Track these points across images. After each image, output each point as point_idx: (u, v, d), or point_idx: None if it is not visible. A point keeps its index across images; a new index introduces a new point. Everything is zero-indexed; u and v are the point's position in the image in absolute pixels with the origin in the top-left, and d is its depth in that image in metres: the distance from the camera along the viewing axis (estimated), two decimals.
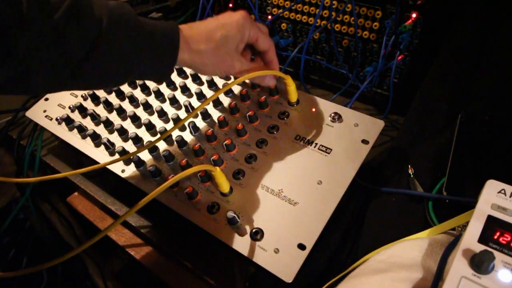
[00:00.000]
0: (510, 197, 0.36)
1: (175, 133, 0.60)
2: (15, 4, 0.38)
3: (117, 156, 0.60)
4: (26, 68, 0.40)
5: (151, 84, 0.69)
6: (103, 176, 0.65)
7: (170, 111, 0.64)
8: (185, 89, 0.66)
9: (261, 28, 0.56)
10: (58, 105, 0.72)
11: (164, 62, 0.49)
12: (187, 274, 0.54)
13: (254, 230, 0.48)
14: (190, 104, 0.62)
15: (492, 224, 0.35)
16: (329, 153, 0.52)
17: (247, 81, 0.64)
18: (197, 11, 0.85)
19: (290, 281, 0.43)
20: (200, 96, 0.64)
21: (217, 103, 0.62)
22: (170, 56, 0.48)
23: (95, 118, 0.67)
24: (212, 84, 0.66)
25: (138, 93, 0.69)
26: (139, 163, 0.58)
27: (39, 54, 0.40)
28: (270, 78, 0.58)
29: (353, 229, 0.53)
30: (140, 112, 0.66)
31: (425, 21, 0.63)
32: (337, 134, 0.54)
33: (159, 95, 0.67)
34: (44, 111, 0.72)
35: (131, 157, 0.58)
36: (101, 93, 0.71)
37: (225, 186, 0.51)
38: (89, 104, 0.70)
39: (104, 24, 0.43)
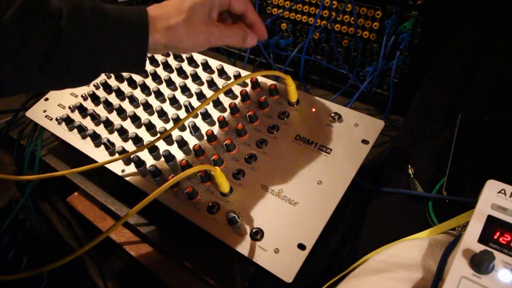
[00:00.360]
0: (510, 197, 0.36)
1: (175, 133, 0.60)
2: None
3: (117, 156, 0.60)
4: None
5: (151, 84, 0.69)
6: (103, 176, 0.65)
7: (170, 111, 0.64)
8: (185, 89, 0.66)
9: None
10: (58, 105, 0.72)
11: (136, 50, 0.45)
12: (187, 274, 0.54)
13: (254, 230, 0.48)
14: (190, 104, 0.62)
15: (492, 224, 0.35)
16: (329, 153, 0.53)
17: (247, 81, 0.64)
18: None
19: (290, 281, 0.43)
20: (200, 96, 0.64)
21: (217, 103, 0.62)
22: (140, 42, 0.44)
23: (95, 118, 0.67)
24: (212, 84, 0.66)
25: (138, 93, 0.69)
26: (139, 163, 0.58)
27: None
28: (252, 38, 0.52)
29: (353, 229, 0.53)
30: (140, 112, 0.66)
31: (425, 21, 0.63)
32: (337, 134, 0.54)
33: (159, 95, 0.67)
34: (44, 111, 0.72)
35: (131, 157, 0.58)
36: (101, 93, 0.71)
37: (225, 186, 0.51)
38: (89, 104, 0.70)
39: (64, 18, 0.40)
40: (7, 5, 0.38)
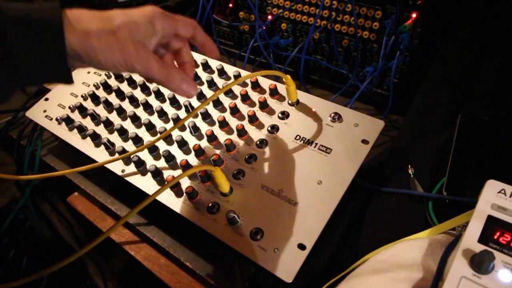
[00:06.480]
0: (510, 197, 0.36)
1: (175, 133, 0.60)
2: None
3: (117, 156, 0.60)
4: None
5: (151, 84, 0.69)
6: (103, 176, 0.65)
7: (170, 111, 0.64)
8: None
9: (180, 19, 0.44)
10: (58, 105, 0.72)
11: (50, 54, 0.36)
12: (187, 274, 0.54)
13: (254, 230, 0.48)
14: (190, 104, 0.62)
15: (492, 224, 0.35)
16: (329, 153, 0.53)
17: (247, 81, 0.64)
18: (197, 11, 0.85)
19: (290, 281, 0.43)
20: (200, 96, 0.64)
21: (217, 103, 0.62)
22: (55, 43, 0.36)
23: (95, 118, 0.67)
24: (212, 84, 0.66)
25: (138, 93, 0.69)
26: (139, 163, 0.58)
27: None
28: (188, 85, 0.44)
29: (353, 229, 0.53)
30: (140, 112, 0.66)
31: (425, 21, 0.63)
32: (337, 134, 0.54)
33: (159, 95, 0.67)
34: (44, 111, 0.72)
35: (131, 157, 0.58)
36: (101, 93, 0.71)
37: (225, 186, 0.51)
38: (89, 104, 0.70)
39: None
40: None
